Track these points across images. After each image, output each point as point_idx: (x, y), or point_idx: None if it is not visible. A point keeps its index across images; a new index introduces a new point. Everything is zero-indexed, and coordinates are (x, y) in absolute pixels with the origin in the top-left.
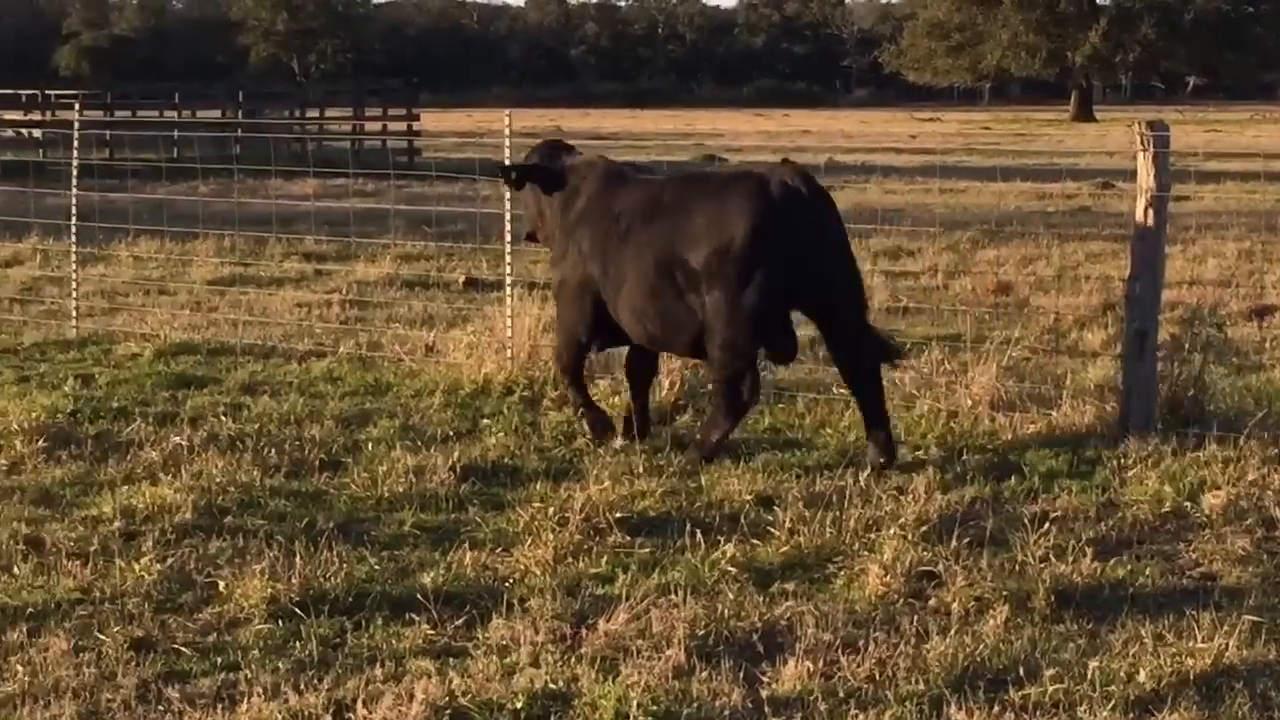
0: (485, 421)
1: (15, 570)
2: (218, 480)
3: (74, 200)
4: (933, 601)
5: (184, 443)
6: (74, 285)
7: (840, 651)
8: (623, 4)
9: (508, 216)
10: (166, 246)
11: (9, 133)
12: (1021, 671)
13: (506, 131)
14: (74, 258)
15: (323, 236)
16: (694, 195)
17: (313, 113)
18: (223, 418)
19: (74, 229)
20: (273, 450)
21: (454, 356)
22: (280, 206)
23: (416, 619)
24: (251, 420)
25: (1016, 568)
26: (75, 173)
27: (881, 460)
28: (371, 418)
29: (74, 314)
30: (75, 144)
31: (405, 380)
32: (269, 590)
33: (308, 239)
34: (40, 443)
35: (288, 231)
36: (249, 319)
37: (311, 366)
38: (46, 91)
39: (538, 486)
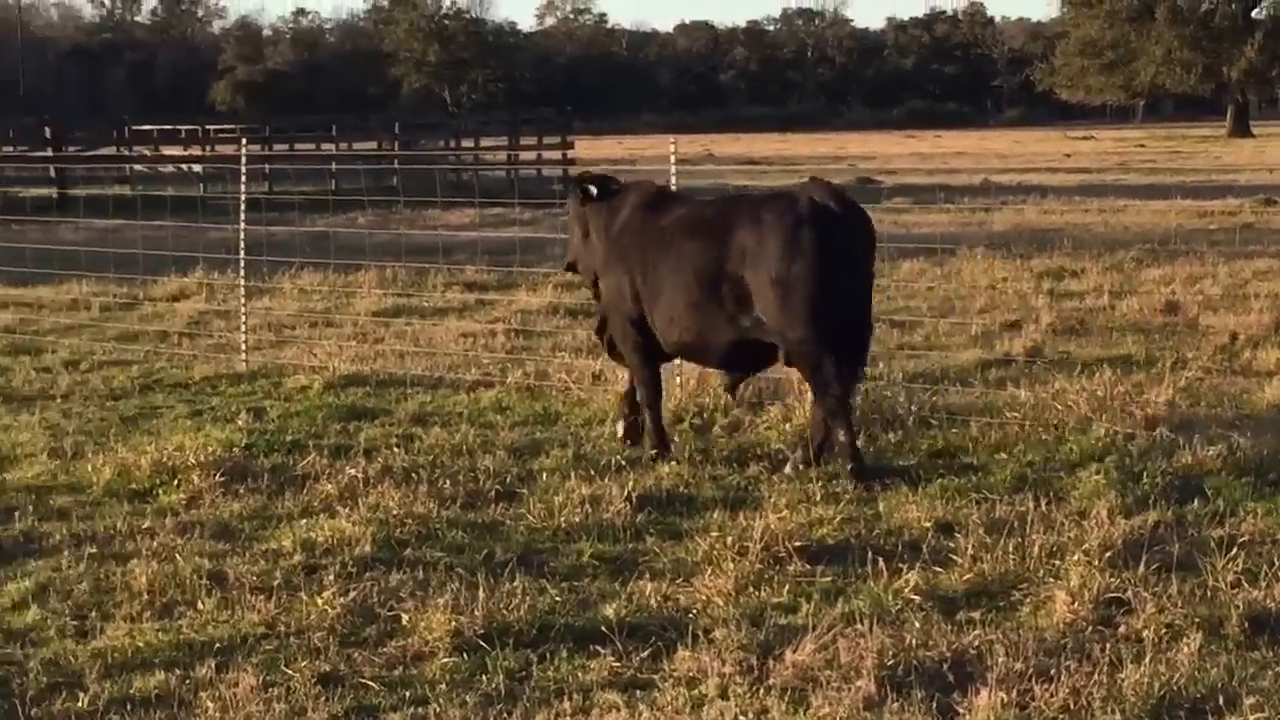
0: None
1: (200, 605)
2: (395, 512)
3: (242, 234)
4: (1123, 629)
5: (359, 475)
6: (243, 319)
7: (1033, 680)
8: (771, 28)
9: None
10: (330, 278)
11: (170, 168)
12: (1220, 700)
13: (672, 158)
14: (242, 291)
15: (484, 266)
16: (733, 213)
17: (467, 142)
18: (395, 449)
19: (242, 262)
20: (447, 481)
21: (621, 385)
22: (439, 237)
23: (601, 651)
24: (424, 451)
25: (1207, 593)
26: (243, 206)
27: (853, 473)
28: (543, 447)
29: (243, 347)
30: (243, 178)
31: (574, 409)
32: (453, 623)
33: (469, 269)
34: (217, 477)
35: (449, 261)
36: (415, 350)
37: (480, 396)
38: (206, 127)
39: (714, 515)
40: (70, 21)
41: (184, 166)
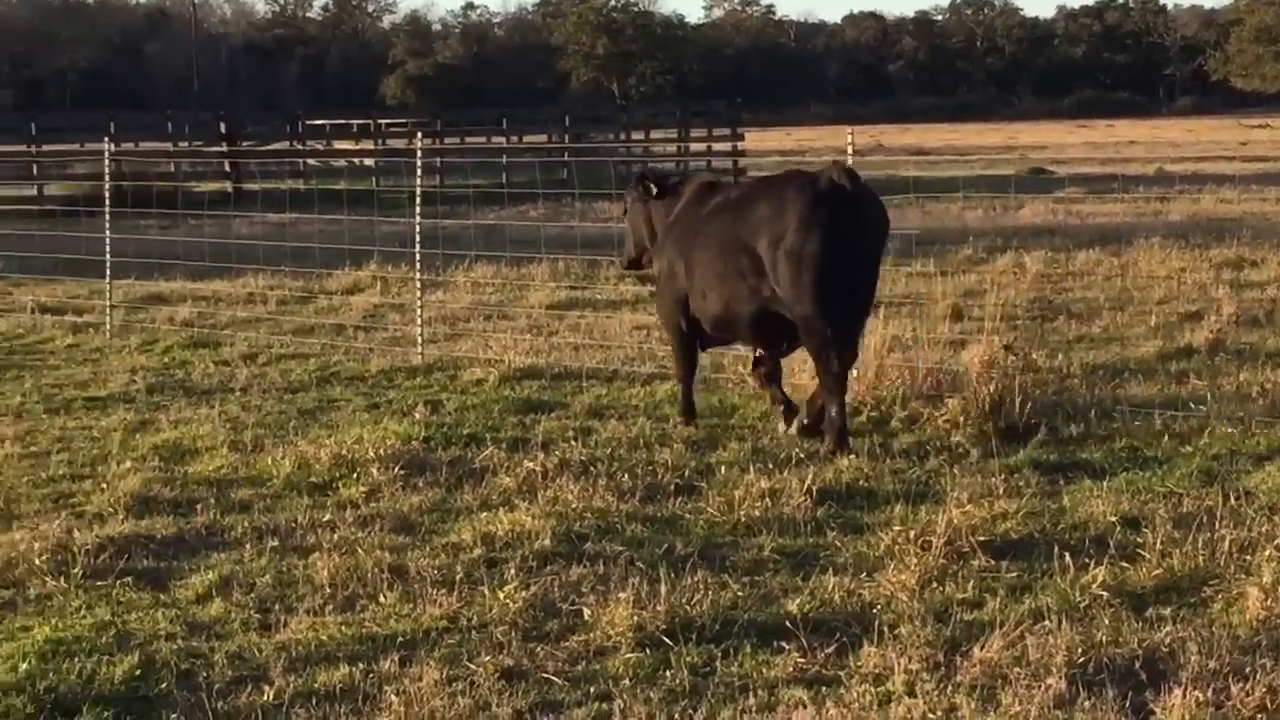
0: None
1: (382, 598)
2: (574, 506)
3: (417, 227)
4: None
5: (537, 468)
6: (418, 312)
7: (1228, 679)
8: (940, 18)
9: None
10: (502, 271)
11: (342, 162)
12: None
13: (849, 149)
14: (418, 284)
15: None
16: (758, 192)
17: (637, 135)
18: (572, 442)
19: (418, 256)
20: (625, 475)
21: (799, 378)
22: (612, 229)
23: (785, 647)
24: (602, 445)
25: None
26: (418, 200)
27: (835, 449)
28: (720, 441)
29: (419, 340)
30: (419, 171)
31: (751, 402)
32: (635, 618)
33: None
34: (397, 470)
35: (621, 254)
36: (589, 342)
37: (655, 390)
38: (378, 121)
39: (896, 509)
40: (243, 18)
41: (357, 160)
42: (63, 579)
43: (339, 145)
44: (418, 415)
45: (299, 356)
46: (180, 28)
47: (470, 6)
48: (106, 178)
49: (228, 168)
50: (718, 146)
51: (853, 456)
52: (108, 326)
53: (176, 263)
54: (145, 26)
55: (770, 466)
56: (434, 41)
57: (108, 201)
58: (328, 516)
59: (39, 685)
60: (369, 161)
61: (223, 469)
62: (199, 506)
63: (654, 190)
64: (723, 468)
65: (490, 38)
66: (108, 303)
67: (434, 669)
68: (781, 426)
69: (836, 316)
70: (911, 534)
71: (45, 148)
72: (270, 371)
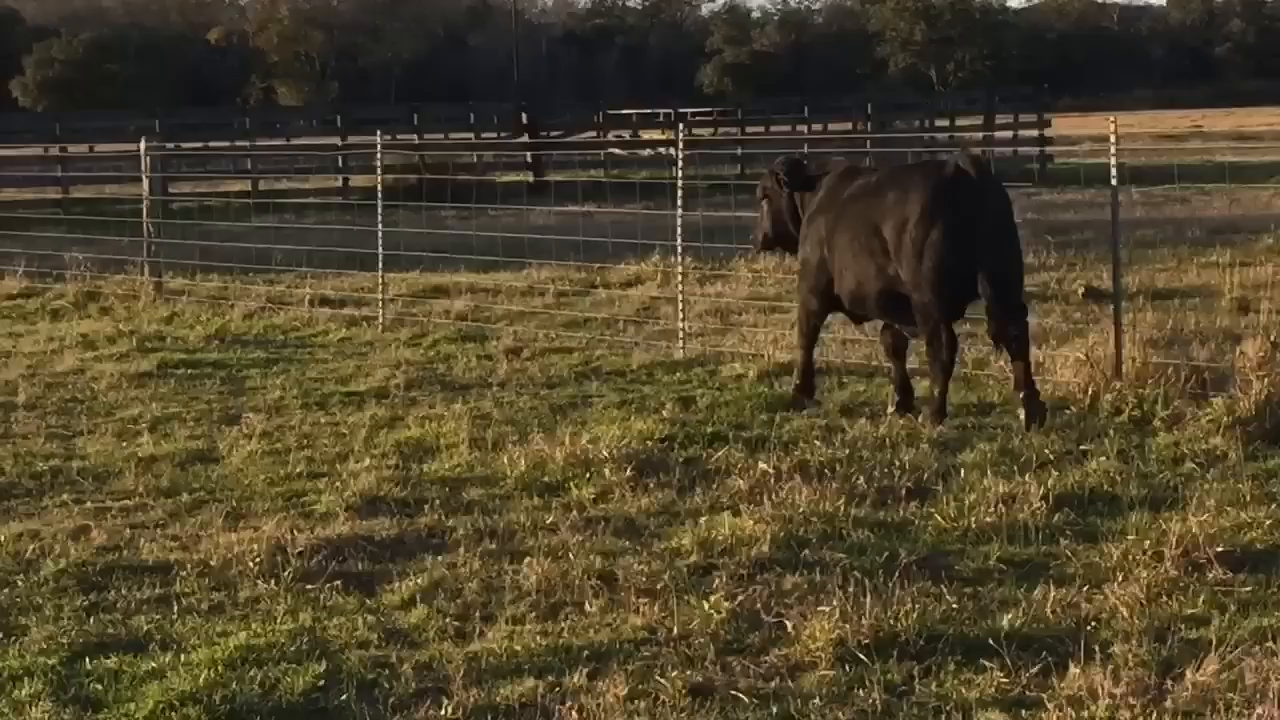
0: (1088, 445)
1: (587, 607)
2: (801, 510)
3: (679, 219)
4: None
5: (771, 470)
6: (679, 306)
7: None
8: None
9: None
10: (785, 263)
11: (647, 152)
12: None
13: (1112, 137)
14: (678, 277)
15: None
16: (890, 178)
17: (942, 121)
18: (816, 442)
19: (679, 247)
20: (862, 477)
21: (1061, 374)
22: None
23: (989, 665)
24: (845, 445)
25: None
26: (679, 190)
27: (1029, 417)
28: (970, 441)
29: (680, 334)
30: (678, 161)
31: (1009, 400)
32: (837, 631)
33: None
34: (629, 470)
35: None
36: (858, 337)
37: (918, 385)
38: (680, 110)
39: (1135, 517)
40: (564, 9)
41: (660, 150)
42: (274, 581)
43: (645, 135)
44: (665, 412)
45: (564, 350)
46: (502, 19)
47: None
48: (379, 172)
49: (529, 159)
50: (1026, 133)
51: (1102, 459)
52: (380, 320)
53: (466, 256)
54: (468, 19)
55: (1014, 469)
56: (751, 29)
57: (379, 194)
58: (551, 519)
59: (216, 695)
60: (671, 151)
61: (458, 468)
62: (426, 507)
63: (785, 182)
64: (964, 470)
65: (809, 25)
66: (380, 296)
67: (621, 683)
68: (890, 407)
69: (950, 303)
70: (1146, 543)
71: (351, 139)
72: (531, 366)
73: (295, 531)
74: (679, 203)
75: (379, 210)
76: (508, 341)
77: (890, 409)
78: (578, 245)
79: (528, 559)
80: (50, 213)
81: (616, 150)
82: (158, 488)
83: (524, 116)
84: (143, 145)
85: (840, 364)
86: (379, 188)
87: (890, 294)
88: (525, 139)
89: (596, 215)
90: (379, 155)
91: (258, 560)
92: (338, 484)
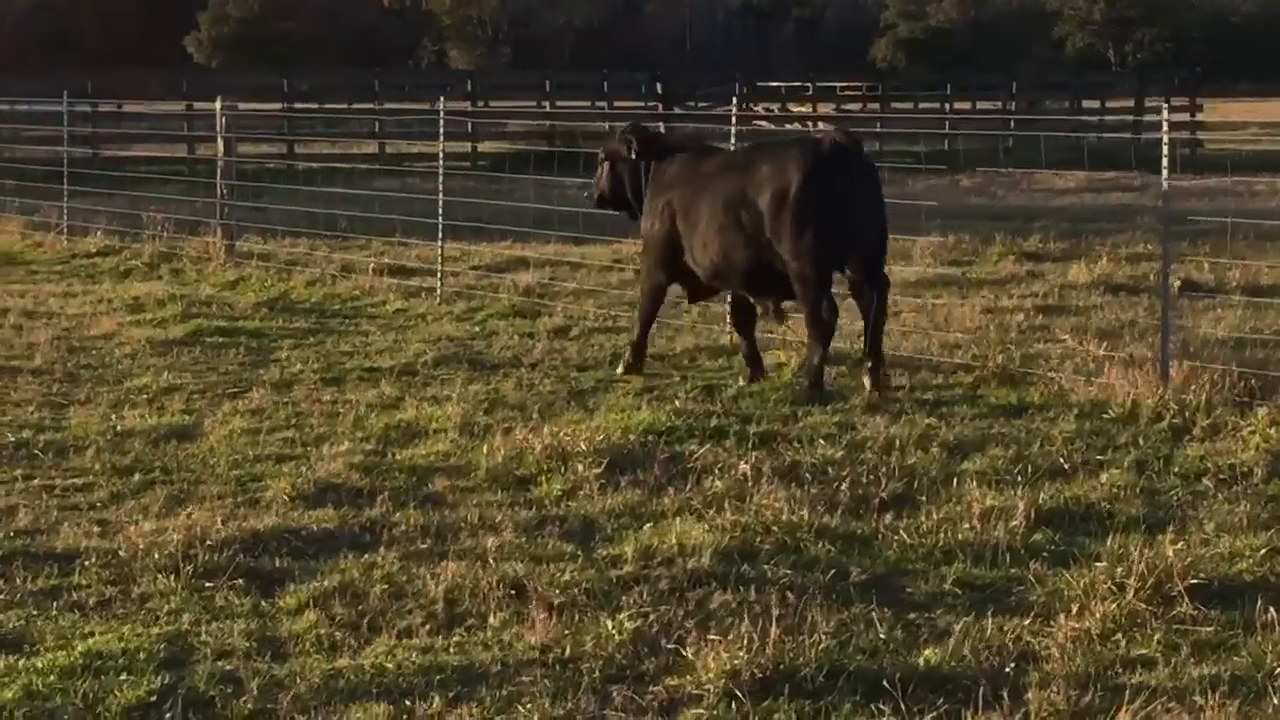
0: (1109, 454)
1: (490, 620)
2: (763, 518)
3: None
4: None
5: (749, 471)
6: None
7: None
8: None
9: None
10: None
11: (794, 125)
12: None
13: (1164, 122)
14: None
15: (1051, 236)
16: (762, 152)
17: (1092, 103)
18: (820, 441)
19: None
20: (846, 483)
21: (1110, 375)
22: (1032, 201)
23: (883, 709)
24: (852, 445)
25: None
26: None
27: (875, 390)
28: (986, 445)
29: (726, 320)
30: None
31: (1052, 400)
32: (734, 662)
33: (1034, 238)
34: (602, 466)
35: (1028, 229)
36: (926, 327)
37: (957, 381)
38: (823, 84)
39: (1118, 539)
40: None
41: (806, 124)
42: (173, 577)
43: (793, 108)
44: (679, 401)
45: (612, 331)
46: None
47: None
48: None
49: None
50: (1175, 117)
51: (1113, 470)
52: (439, 292)
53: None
54: None
55: (1015, 479)
56: (928, 4)
57: (441, 159)
58: (500, 517)
59: (25, 709)
60: (822, 126)
61: (435, 456)
62: (381, 498)
63: (636, 151)
64: (962, 478)
65: (989, 2)
66: (439, 267)
67: (477, 713)
68: (741, 380)
69: (827, 270)
70: (1117, 570)
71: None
72: (571, 347)
73: (222, 521)
74: None
75: (440, 176)
76: (557, 319)
77: (741, 381)
78: None
79: (445, 562)
80: (174, 171)
81: (762, 123)
82: (115, 466)
83: (659, 87)
84: (218, 104)
85: (895, 355)
86: (440, 155)
87: (758, 266)
88: (659, 110)
89: None
90: (450, 123)
91: (168, 553)
92: (302, 469)
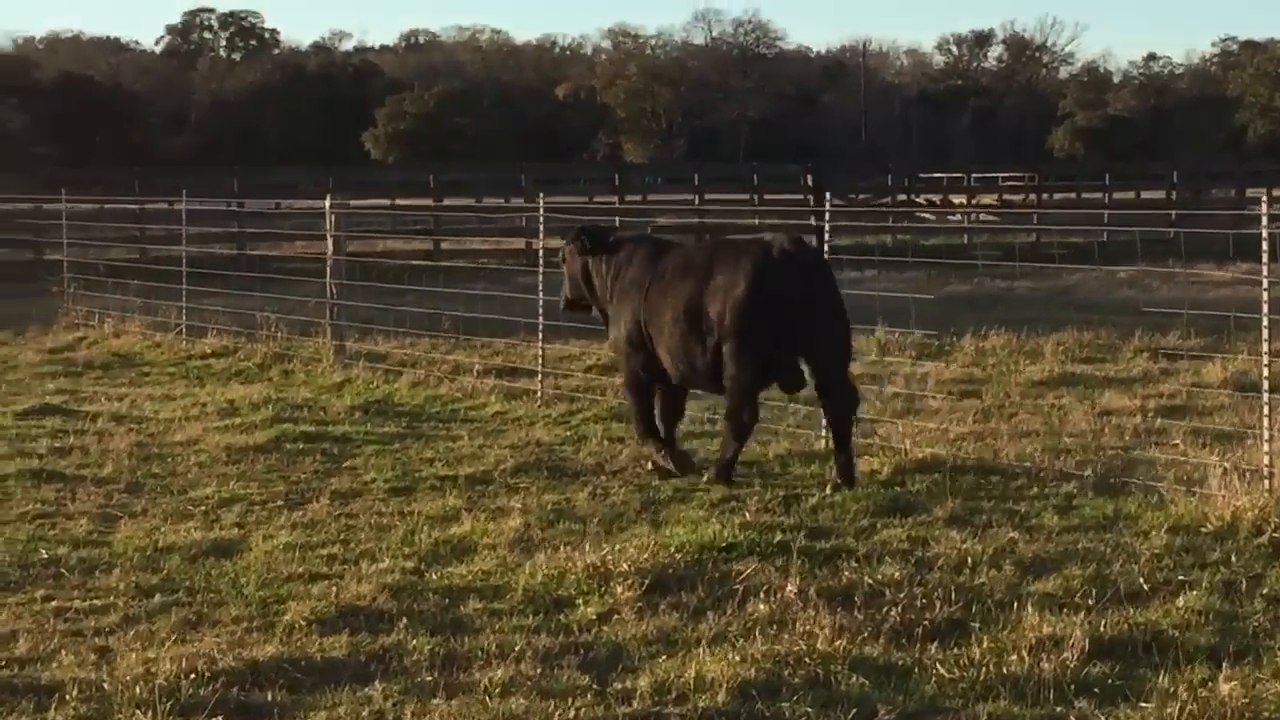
0: (1195, 573)
1: None
2: (797, 648)
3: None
4: None
5: (795, 592)
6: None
7: None
8: None
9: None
10: (1022, 339)
11: (957, 218)
12: None
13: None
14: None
15: (1193, 331)
16: (716, 255)
17: (1257, 191)
18: (887, 559)
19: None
20: (898, 607)
21: (1215, 484)
22: (1185, 294)
23: None
24: (920, 563)
25: None
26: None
27: (840, 481)
28: (1066, 562)
29: (824, 424)
30: (826, 229)
31: (1147, 513)
32: None
33: (1174, 334)
34: (643, 588)
35: (1171, 324)
36: (1037, 430)
37: (1053, 492)
38: (980, 176)
39: (1181, 675)
40: (919, 70)
41: (971, 216)
42: (149, 715)
43: (955, 200)
44: (748, 514)
45: (706, 436)
46: (855, 80)
47: (1152, 57)
48: (542, 235)
49: (813, 221)
50: None
51: (1194, 595)
52: (539, 394)
53: None
54: (822, 78)
55: (1083, 603)
56: (1107, 93)
57: (542, 254)
58: (520, 645)
59: None
60: (987, 217)
61: (475, 575)
62: (402, 623)
63: (588, 247)
64: (1024, 601)
65: (1170, 90)
66: (539, 368)
67: None
68: (828, 489)
69: (761, 379)
70: (1166, 711)
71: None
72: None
73: (224, 650)
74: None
75: (540, 274)
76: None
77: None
78: None
79: (434, 700)
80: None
81: (927, 215)
82: (140, 586)
83: (808, 179)
84: (327, 203)
85: (1001, 463)
86: (541, 250)
87: (720, 368)
88: (810, 201)
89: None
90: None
91: (151, 687)
92: (332, 589)
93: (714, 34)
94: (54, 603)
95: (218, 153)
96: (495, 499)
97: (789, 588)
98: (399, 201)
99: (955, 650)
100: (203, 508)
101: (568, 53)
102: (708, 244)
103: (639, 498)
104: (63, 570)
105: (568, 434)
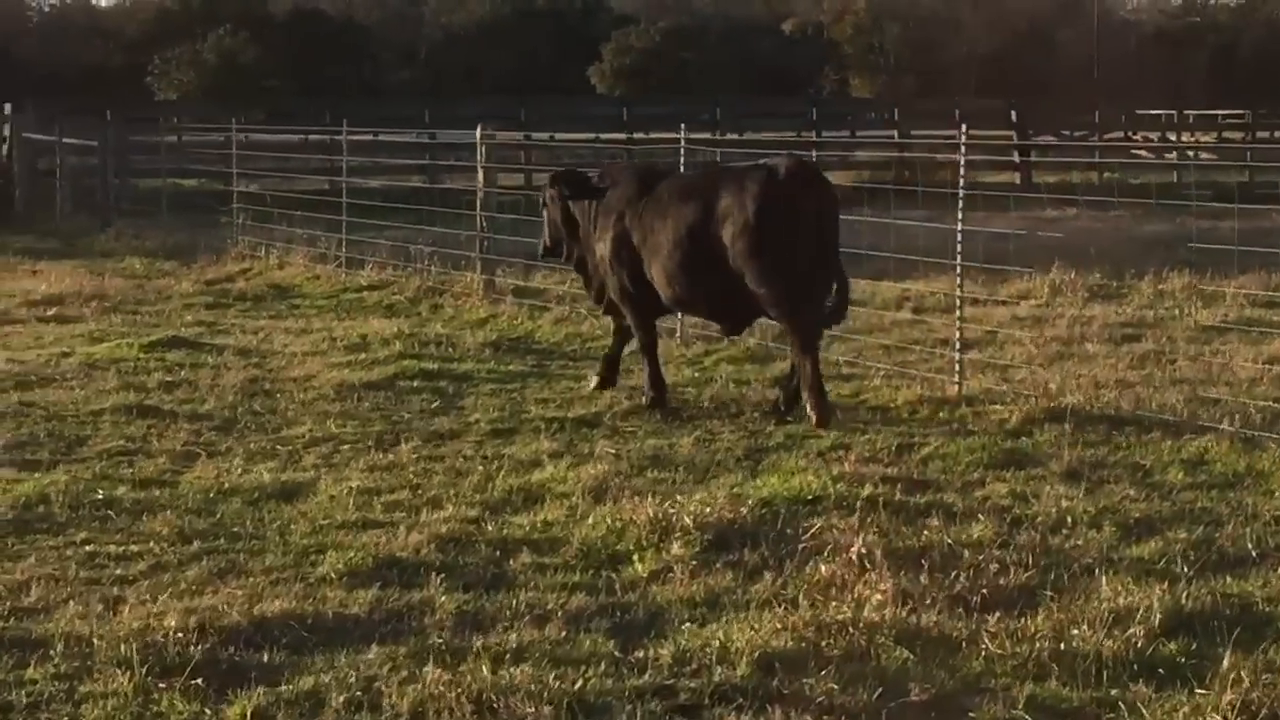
0: None
1: None
2: (842, 615)
3: (958, 231)
4: None
5: (861, 551)
6: (958, 333)
7: None
8: None
9: None
10: (1199, 281)
11: (1173, 155)
12: None
13: None
14: (958, 299)
15: None
16: (722, 178)
17: None
18: (980, 518)
19: (959, 266)
20: (968, 572)
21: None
22: None
23: None
24: (1014, 521)
25: None
26: (960, 200)
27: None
28: (1175, 524)
29: (957, 368)
30: (961, 165)
31: (1278, 471)
32: None
33: None
34: (701, 544)
35: None
36: (1191, 379)
37: (1183, 446)
38: (1195, 112)
39: (1254, 657)
40: (1155, 5)
41: (1193, 154)
42: (127, 675)
43: (1179, 137)
44: (848, 465)
45: (844, 379)
46: (1090, 15)
47: None
48: (684, 162)
49: (1016, 158)
50: None
51: None
52: (678, 333)
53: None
54: (1055, 13)
55: (1183, 569)
56: None
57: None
58: (551, 605)
59: None
60: (1205, 156)
61: (536, 527)
62: (438, 576)
63: (567, 194)
64: (1108, 569)
65: None
66: None
67: None
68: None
69: (797, 289)
70: (1225, 699)
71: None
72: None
73: (234, 605)
74: (959, 213)
75: None
76: (784, 365)
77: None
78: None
79: (430, 668)
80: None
81: (1143, 152)
82: (185, 531)
83: (1013, 115)
84: (478, 133)
85: (1138, 413)
86: None
87: (726, 294)
88: (1014, 138)
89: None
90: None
91: (142, 644)
92: (382, 539)
93: None
94: (89, 548)
95: (446, 87)
96: (593, 443)
97: (854, 547)
98: (562, 136)
99: (1017, 622)
100: (289, 447)
101: None
102: (706, 169)
103: (745, 444)
104: (111, 513)
105: (695, 375)
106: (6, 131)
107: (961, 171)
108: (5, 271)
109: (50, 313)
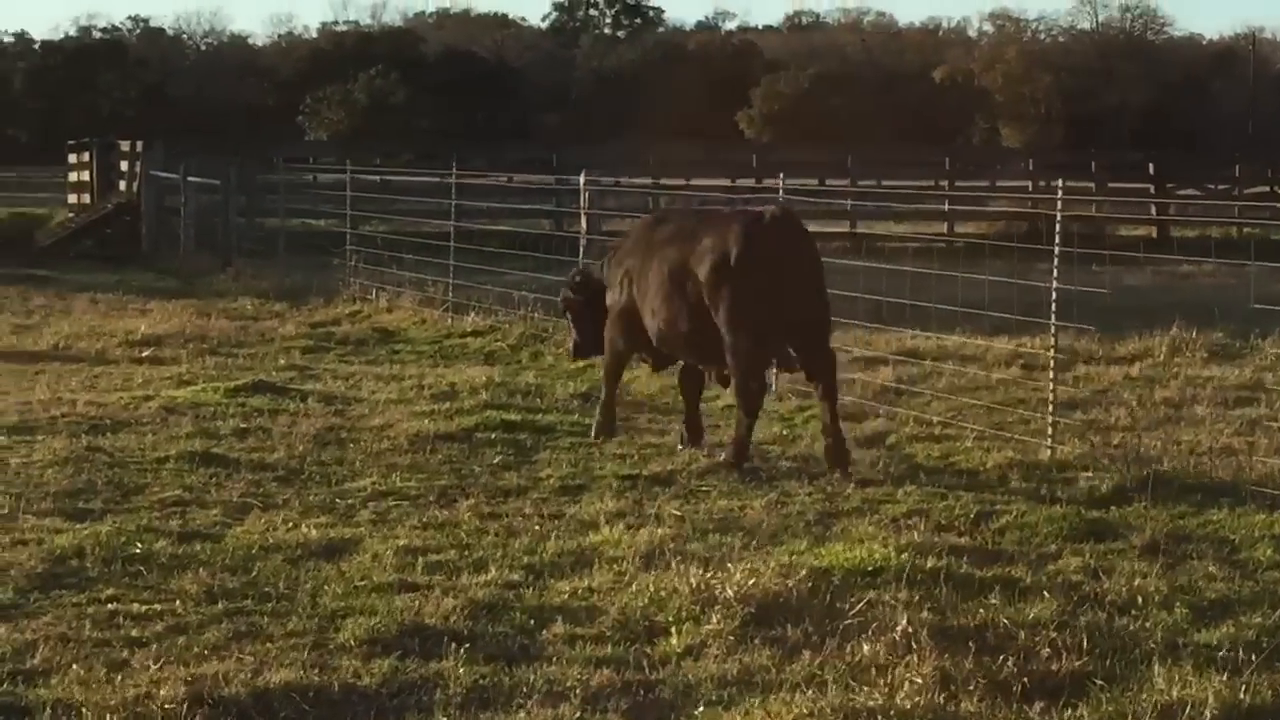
0: None
1: None
2: (873, 702)
3: (1053, 288)
4: None
5: (908, 630)
6: (1052, 394)
7: None
8: None
9: None
10: None
11: None
12: None
13: None
14: (1052, 358)
15: None
16: (704, 224)
17: None
18: (1044, 595)
19: (1053, 324)
20: (1017, 657)
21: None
22: None
23: None
24: (1080, 599)
25: None
26: (1055, 254)
27: (833, 462)
28: (1255, 607)
29: (1050, 432)
30: (1058, 224)
31: None
32: None
33: None
34: (741, 618)
35: None
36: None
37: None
38: None
39: None
40: None
41: None
42: None
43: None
44: (918, 534)
45: (936, 440)
46: (1246, 68)
47: None
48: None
49: (1153, 211)
50: None
51: None
52: (774, 388)
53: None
54: (1211, 65)
55: (1250, 659)
56: None
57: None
58: (571, 682)
59: None
60: None
61: (577, 594)
62: (460, 647)
63: (574, 297)
64: (1175, 656)
65: None
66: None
67: None
68: (679, 444)
69: (760, 344)
70: None
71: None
72: (870, 457)
73: (240, 673)
74: (1054, 268)
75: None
76: (877, 424)
77: (679, 445)
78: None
79: None
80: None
81: None
82: (214, 589)
83: (1150, 167)
84: (582, 179)
85: (1223, 482)
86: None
87: (701, 335)
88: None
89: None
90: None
91: (136, 715)
92: (416, 603)
93: (1100, 19)
94: (111, 606)
95: (594, 130)
96: (660, 504)
97: (899, 626)
98: (663, 181)
99: (1062, 713)
100: (347, 501)
101: (952, 35)
102: (697, 211)
103: (819, 508)
104: (143, 569)
105: (782, 432)
106: (136, 169)
107: (1057, 226)
108: (115, 310)
109: (145, 354)
